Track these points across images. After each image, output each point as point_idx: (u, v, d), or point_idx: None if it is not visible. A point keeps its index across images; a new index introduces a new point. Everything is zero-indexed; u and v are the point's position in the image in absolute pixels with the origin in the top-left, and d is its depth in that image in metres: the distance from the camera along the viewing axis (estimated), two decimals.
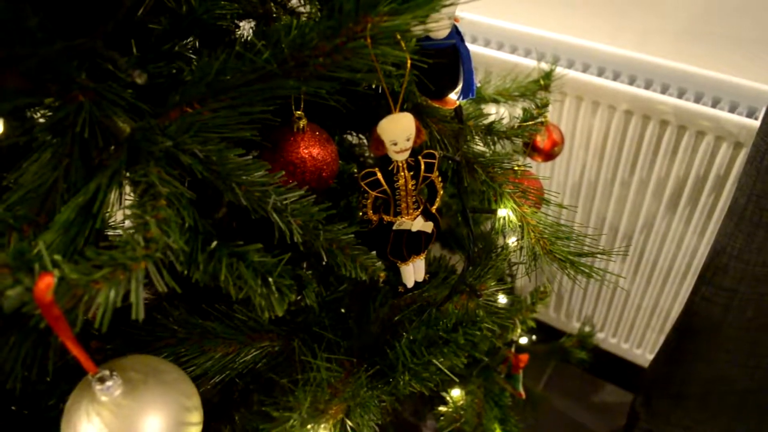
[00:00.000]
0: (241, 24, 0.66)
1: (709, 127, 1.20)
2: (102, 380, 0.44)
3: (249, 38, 0.60)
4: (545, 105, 0.89)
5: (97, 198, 0.47)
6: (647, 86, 1.30)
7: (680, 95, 1.27)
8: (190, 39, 0.60)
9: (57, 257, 0.38)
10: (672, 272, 1.49)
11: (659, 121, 1.26)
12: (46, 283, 0.36)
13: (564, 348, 1.52)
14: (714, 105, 1.24)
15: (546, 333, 1.76)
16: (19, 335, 0.46)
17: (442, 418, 0.99)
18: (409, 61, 0.52)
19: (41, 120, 0.50)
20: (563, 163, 1.46)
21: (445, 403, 1.02)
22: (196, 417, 0.49)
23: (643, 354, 1.71)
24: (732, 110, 1.22)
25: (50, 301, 0.37)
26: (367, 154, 0.95)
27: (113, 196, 0.48)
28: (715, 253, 1.07)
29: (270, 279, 0.48)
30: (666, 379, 1.33)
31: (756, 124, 1.14)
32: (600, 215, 1.50)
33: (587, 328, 1.55)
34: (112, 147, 0.50)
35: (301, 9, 0.69)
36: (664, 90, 1.29)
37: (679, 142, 1.26)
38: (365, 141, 0.91)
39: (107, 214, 0.48)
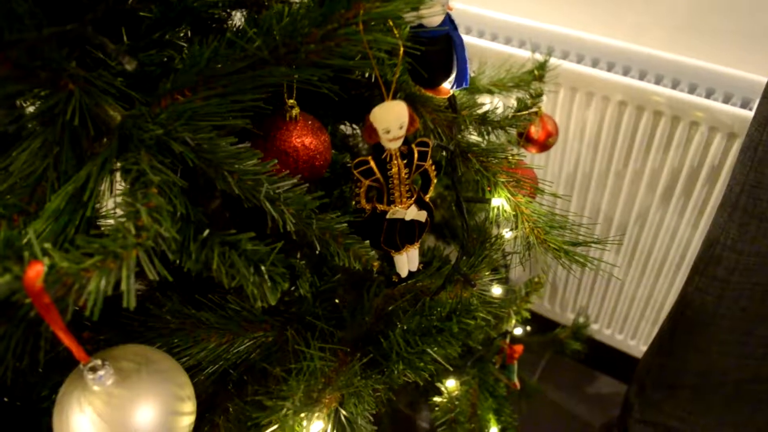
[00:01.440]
0: (232, 13, 0.66)
1: (703, 117, 1.20)
2: (94, 370, 0.44)
3: (241, 26, 0.59)
4: (539, 95, 0.88)
5: (87, 186, 0.46)
6: (641, 77, 1.30)
7: (674, 86, 1.27)
8: (182, 27, 0.60)
9: (47, 245, 0.37)
10: (666, 263, 1.49)
11: (653, 112, 1.26)
12: (35, 272, 0.36)
13: (558, 339, 1.53)
14: (708, 96, 1.24)
15: (540, 324, 1.77)
16: (10, 325, 0.45)
17: (436, 408, 0.99)
18: (401, 48, 0.52)
19: (31, 108, 0.49)
20: (557, 154, 1.46)
21: (439, 393, 1.02)
22: (189, 407, 0.49)
23: (637, 345, 1.71)
24: (726, 101, 1.22)
25: (40, 289, 0.36)
26: (360, 145, 0.95)
27: (104, 184, 0.48)
28: (709, 243, 1.07)
29: (263, 267, 0.48)
30: (660, 370, 1.33)
31: (750, 114, 1.14)
32: (594, 206, 1.51)
33: (582, 320, 1.55)
34: (103, 135, 0.50)
35: None
36: (658, 81, 1.29)
37: (673, 133, 1.27)
38: (358, 131, 0.91)
39: (98, 203, 0.48)
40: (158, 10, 0.56)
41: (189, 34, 0.61)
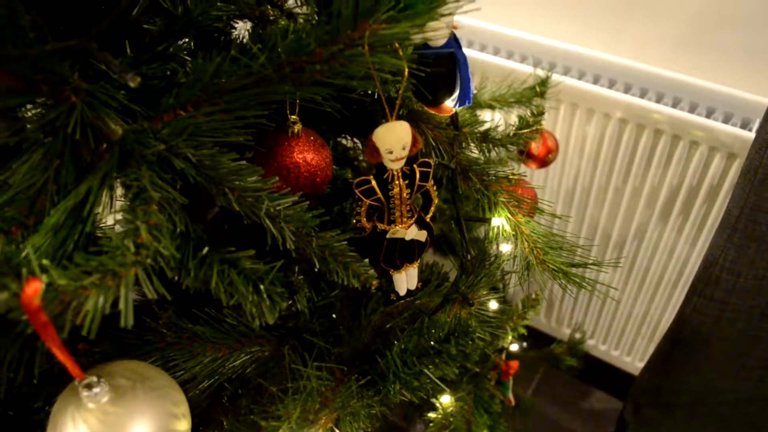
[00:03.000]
0: (237, 25, 0.66)
1: (703, 137, 1.20)
2: (89, 387, 0.44)
3: (245, 41, 0.59)
4: (541, 113, 0.88)
5: (87, 201, 0.46)
6: (642, 95, 1.31)
7: (675, 105, 1.27)
8: (185, 40, 0.60)
9: (45, 262, 0.37)
10: (663, 281, 1.49)
11: (653, 130, 1.26)
12: (33, 289, 0.36)
13: (554, 354, 1.52)
14: (708, 115, 1.24)
15: (536, 339, 1.76)
16: (6, 340, 0.45)
17: (431, 424, 0.99)
18: (406, 70, 0.51)
19: (33, 119, 0.49)
20: (557, 170, 1.46)
21: (434, 409, 1.01)
22: (184, 425, 0.49)
23: (633, 362, 1.71)
24: (726, 121, 1.23)
25: (37, 307, 0.36)
26: (361, 158, 0.94)
27: (104, 199, 0.47)
28: (707, 264, 1.07)
29: (261, 286, 0.47)
30: (656, 389, 1.33)
31: (750, 135, 1.14)
32: (593, 223, 1.50)
33: (578, 335, 1.55)
34: (104, 149, 0.50)
35: (298, 10, 0.68)
36: (659, 99, 1.29)
37: (672, 152, 1.27)
38: (359, 145, 0.91)
39: (98, 218, 0.48)
40: (162, 23, 0.56)
41: (192, 47, 0.61)
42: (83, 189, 0.46)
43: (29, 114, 0.49)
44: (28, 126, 0.49)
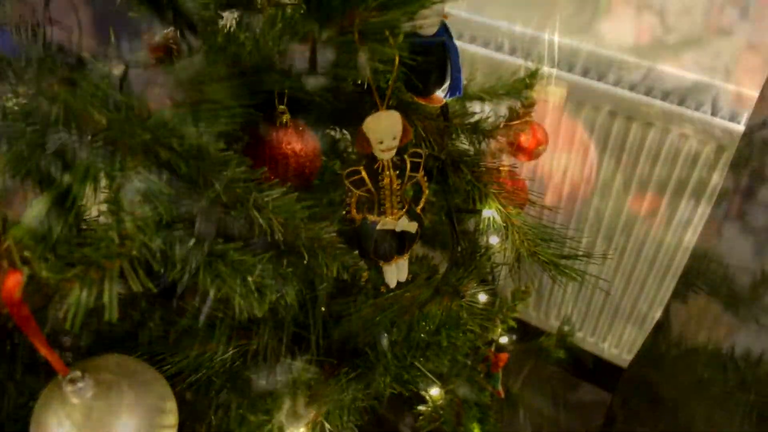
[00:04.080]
0: (224, 14, 0.65)
1: (692, 129, 1.20)
2: (73, 381, 0.43)
3: (232, 29, 0.58)
4: (531, 105, 0.88)
5: (70, 192, 0.45)
6: (631, 88, 1.30)
7: (664, 97, 1.27)
8: (172, 29, 0.59)
9: (27, 254, 0.36)
10: (651, 273, 1.49)
11: (643, 122, 1.26)
12: (14, 281, 0.35)
13: (543, 347, 1.52)
14: (697, 108, 1.24)
15: (525, 331, 1.76)
16: None
17: (421, 417, 0.98)
18: (397, 58, 0.51)
19: (15, 108, 0.48)
20: (546, 162, 1.46)
21: (424, 401, 1.01)
22: (171, 419, 0.48)
23: (621, 354, 1.72)
24: (714, 114, 1.23)
25: (19, 300, 0.35)
26: (349, 150, 0.93)
27: (88, 190, 0.46)
28: (696, 256, 1.07)
29: (249, 279, 0.47)
30: (644, 381, 1.33)
31: (739, 128, 1.15)
32: (581, 215, 1.51)
33: (566, 328, 1.55)
34: (88, 139, 0.49)
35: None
36: (648, 92, 1.29)
37: (662, 144, 1.27)
38: (348, 136, 0.90)
39: (81, 210, 0.47)
40: (148, 11, 0.55)
41: (179, 36, 0.60)
42: (67, 179, 0.45)
43: (11, 103, 0.48)
44: (10, 115, 0.48)
